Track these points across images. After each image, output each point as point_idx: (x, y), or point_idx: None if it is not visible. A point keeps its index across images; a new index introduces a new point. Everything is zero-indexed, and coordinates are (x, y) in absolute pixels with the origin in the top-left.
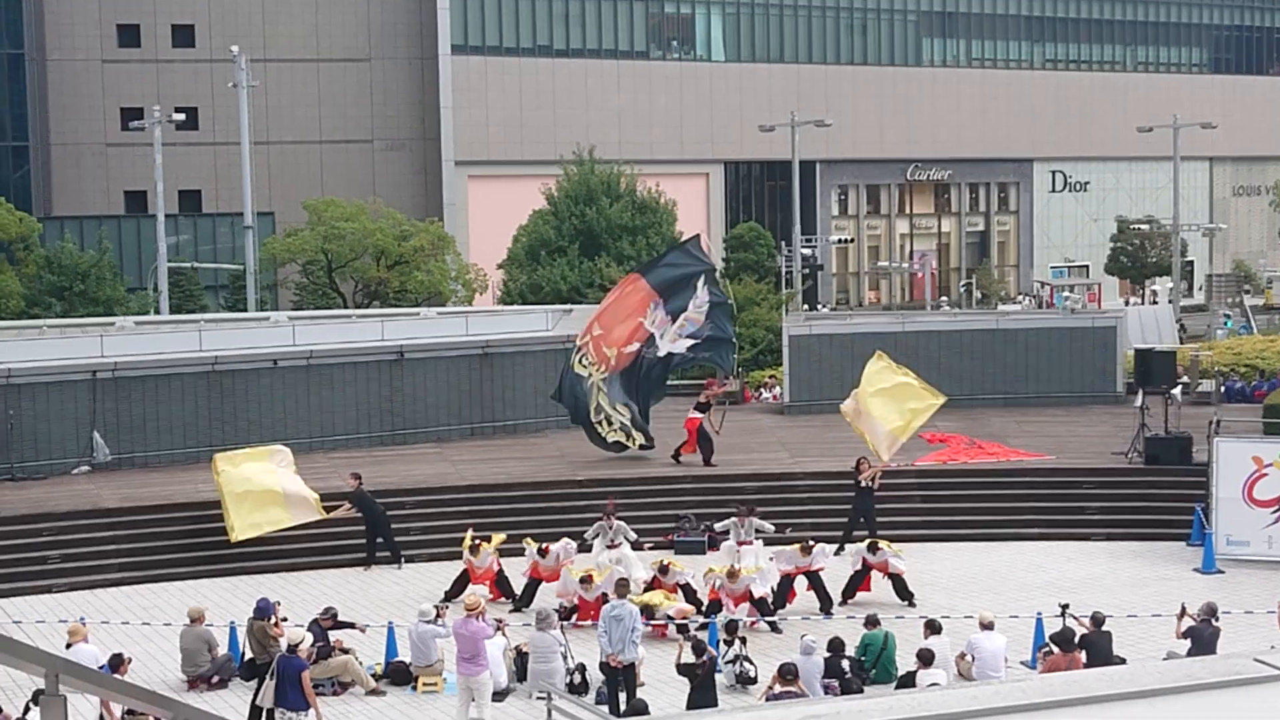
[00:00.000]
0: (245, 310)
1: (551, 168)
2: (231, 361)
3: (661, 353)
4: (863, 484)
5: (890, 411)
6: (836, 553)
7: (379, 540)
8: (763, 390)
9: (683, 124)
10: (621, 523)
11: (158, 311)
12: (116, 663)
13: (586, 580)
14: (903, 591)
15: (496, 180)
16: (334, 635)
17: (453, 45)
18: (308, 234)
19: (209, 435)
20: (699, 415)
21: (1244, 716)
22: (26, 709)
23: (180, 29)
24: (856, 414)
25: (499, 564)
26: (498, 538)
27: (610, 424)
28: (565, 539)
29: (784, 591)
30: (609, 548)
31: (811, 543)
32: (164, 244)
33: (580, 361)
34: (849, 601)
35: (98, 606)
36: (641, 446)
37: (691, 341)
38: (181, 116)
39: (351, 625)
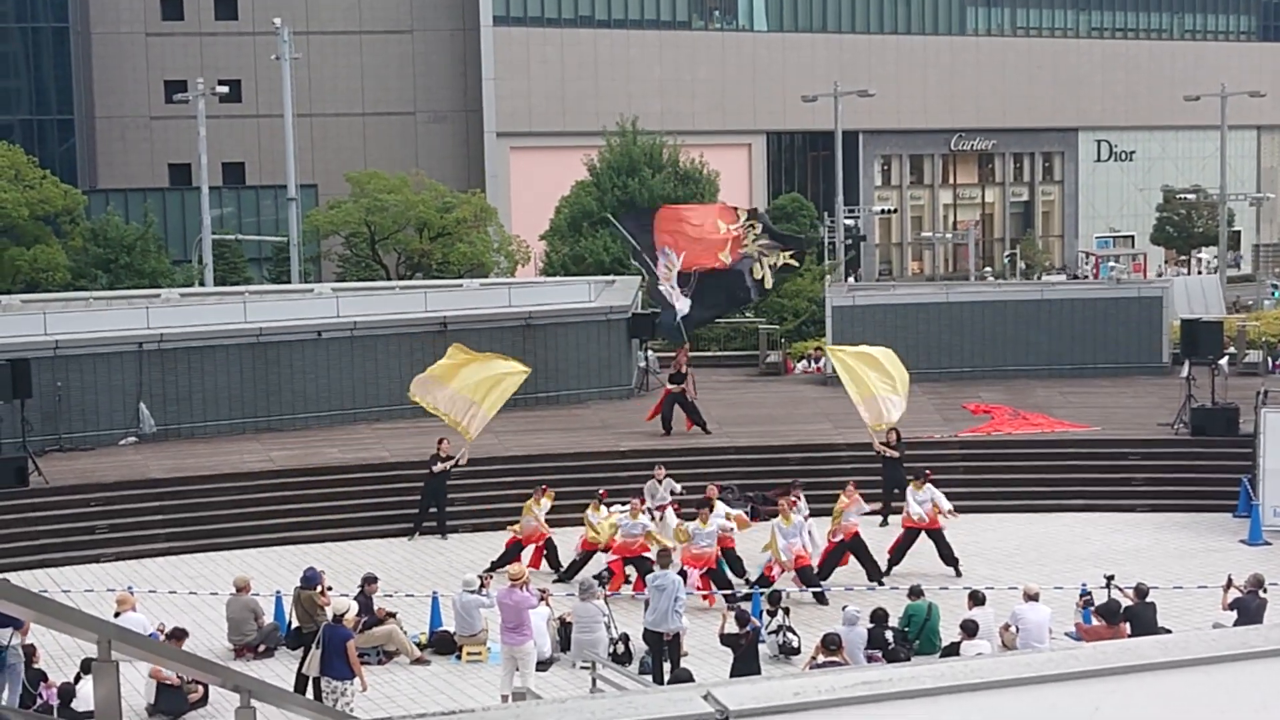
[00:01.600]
0: (289, 282)
1: (593, 139)
2: (276, 333)
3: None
4: (885, 454)
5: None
6: (881, 524)
7: (431, 510)
8: (804, 361)
9: (725, 94)
10: (670, 481)
11: (202, 283)
12: (176, 635)
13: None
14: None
15: (538, 151)
16: (378, 604)
17: (494, 16)
18: (350, 206)
19: (254, 406)
20: (673, 386)
21: None
22: (78, 677)
23: (223, 2)
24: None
25: (545, 535)
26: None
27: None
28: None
29: (833, 561)
30: (658, 509)
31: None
32: (208, 216)
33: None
34: (893, 569)
35: (145, 576)
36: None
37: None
38: (225, 89)
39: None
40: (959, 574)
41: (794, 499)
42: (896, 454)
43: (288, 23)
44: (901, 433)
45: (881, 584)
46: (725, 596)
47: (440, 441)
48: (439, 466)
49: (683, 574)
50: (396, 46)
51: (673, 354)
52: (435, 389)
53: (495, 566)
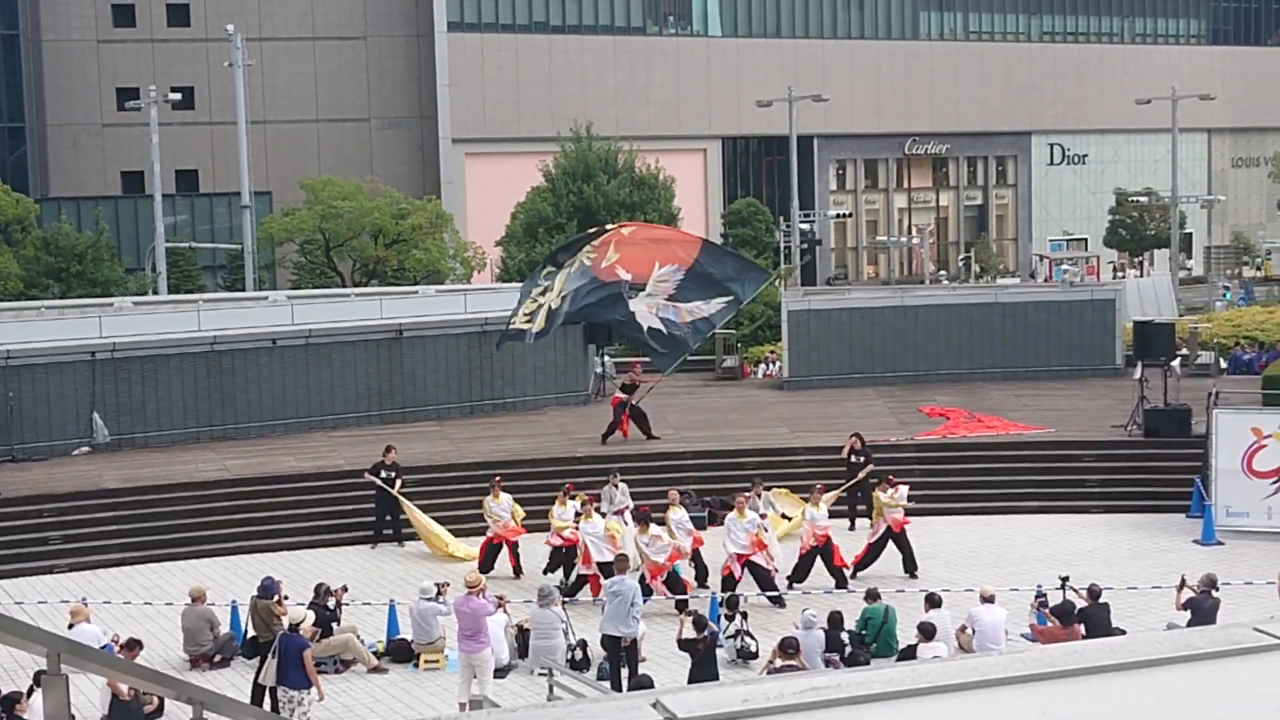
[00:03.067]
0: (243, 290)
1: (549, 145)
2: (230, 341)
3: (631, 309)
4: (853, 461)
5: None
6: (850, 529)
7: (388, 518)
8: (762, 365)
9: (680, 100)
10: (624, 486)
11: (156, 292)
12: (130, 646)
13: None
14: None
15: (494, 158)
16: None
17: (449, 22)
18: (305, 213)
19: (208, 415)
20: (623, 395)
21: (1244, 685)
22: (30, 690)
23: (175, 8)
24: None
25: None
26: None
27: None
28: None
29: (805, 566)
30: (615, 514)
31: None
32: (161, 224)
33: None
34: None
35: (99, 587)
36: (536, 334)
37: (660, 327)
38: (178, 96)
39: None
40: (914, 576)
41: (747, 495)
42: (865, 461)
43: (240, 29)
44: (864, 438)
45: (845, 589)
46: (679, 603)
47: (387, 450)
48: (383, 474)
49: (646, 587)
50: (350, 53)
51: (630, 358)
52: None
53: (484, 569)
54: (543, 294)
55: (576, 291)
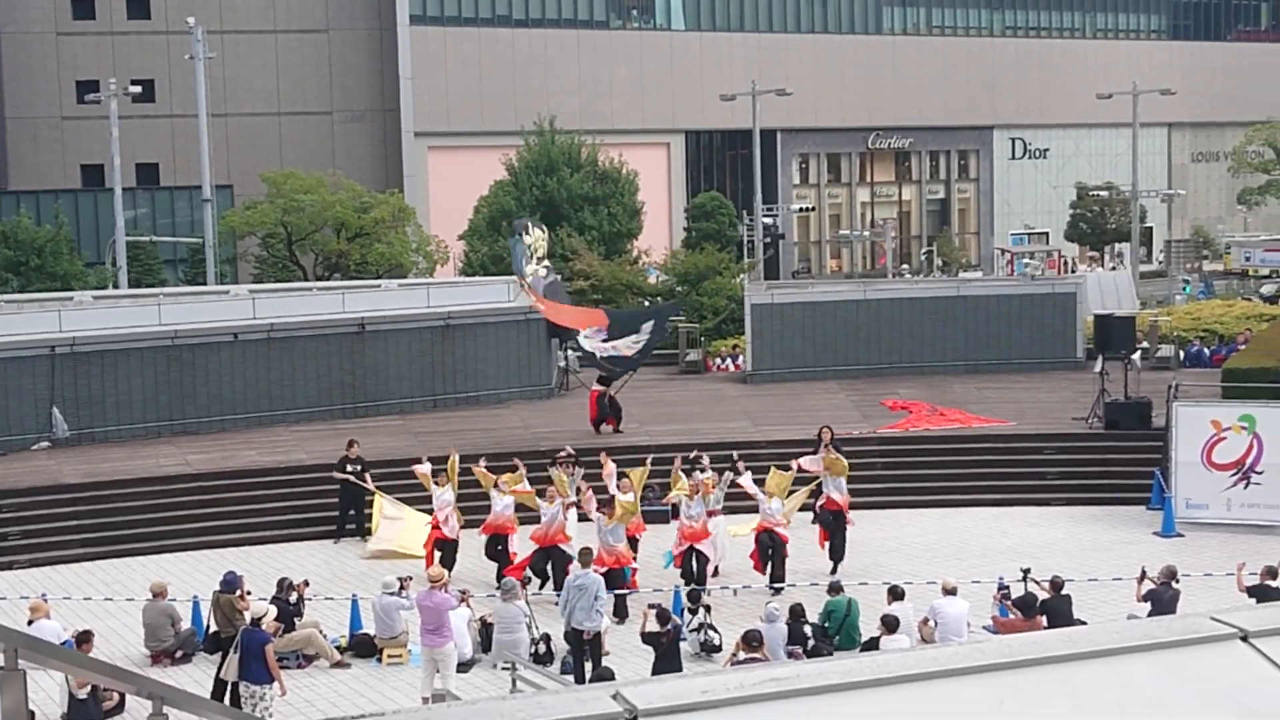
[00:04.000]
0: (205, 284)
1: (512, 138)
2: (191, 335)
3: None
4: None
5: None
6: (813, 522)
7: (350, 513)
8: (722, 359)
9: (643, 93)
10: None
11: (116, 286)
12: (83, 639)
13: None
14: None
15: (457, 151)
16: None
17: (411, 15)
18: (267, 207)
19: (169, 410)
20: (600, 388)
21: (1201, 674)
22: None
23: (135, 1)
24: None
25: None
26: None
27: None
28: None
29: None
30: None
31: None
32: (122, 218)
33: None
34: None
35: (59, 582)
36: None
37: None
38: (138, 89)
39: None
40: (834, 571)
41: (706, 481)
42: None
43: (201, 22)
44: (834, 430)
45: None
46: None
47: (350, 444)
48: (348, 469)
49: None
50: (312, 46)
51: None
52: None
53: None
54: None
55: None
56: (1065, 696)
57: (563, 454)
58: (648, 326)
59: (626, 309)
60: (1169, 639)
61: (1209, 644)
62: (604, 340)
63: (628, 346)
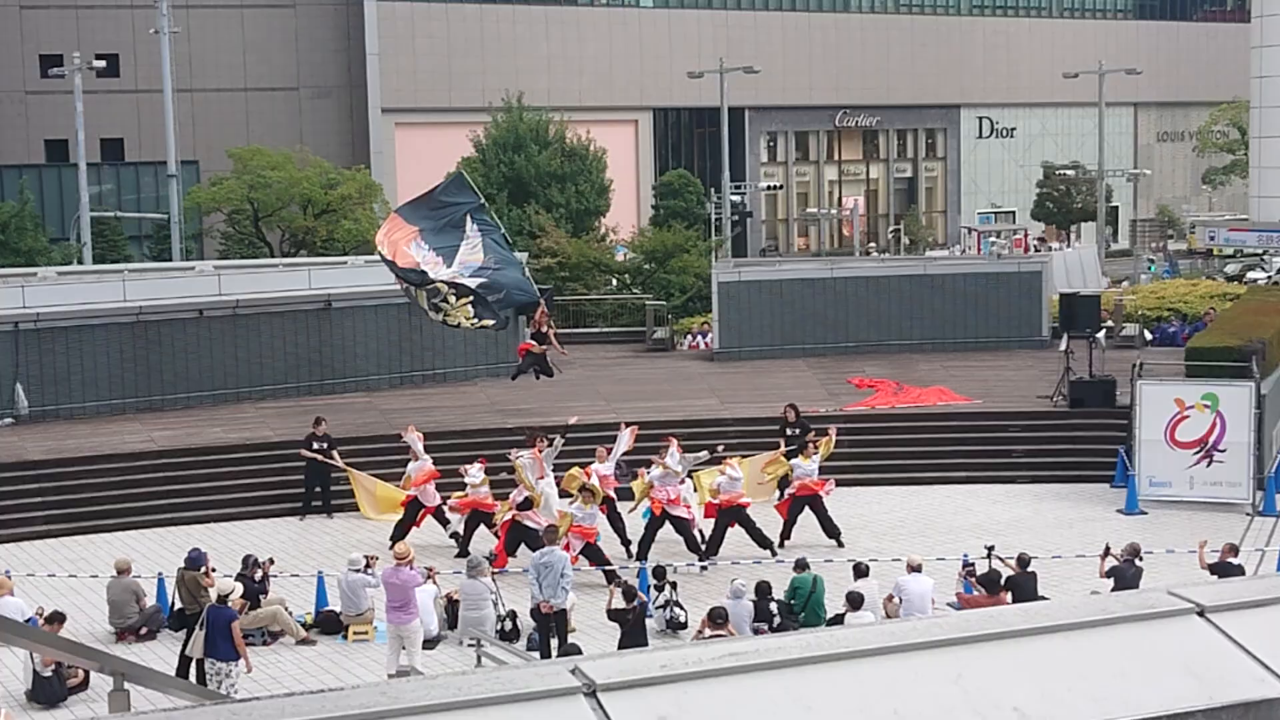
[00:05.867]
0: (170, 260)
1: (480, 115)
2: (156, 312)
3: (444, 277)
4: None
5: None
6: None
7: (317, 490)
8: (689, 336)
9: (612, 71)
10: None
11: (81, 262)
12: (53, 620)
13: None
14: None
15: (424, 128)
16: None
17: None
18: (233, 182)
19: (134, 387)
20: (533, 343)
21: (1157, 648)
22: None
23: None
24: None
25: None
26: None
27: (447, 303)
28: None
29: (719, 534)
30: (539, 478)
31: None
32: (86, 193)
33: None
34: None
35: (23, 559)
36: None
37: (481, 281)
38: (102, 64)
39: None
40: (840, 545)
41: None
42: (798, 430)
43: None
44: (799, 408)
45: (774, 555)
46: (608, 573)
47: (317, 422)
48: (314, 446)
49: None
50: (279, 20)
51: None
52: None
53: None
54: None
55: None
56: (1023, 670)
57: (533, 436)
58: (471, 225)
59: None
60: (1127, 614)
61: (1166, 619)
62: (438, 259)
63: (469, 252)
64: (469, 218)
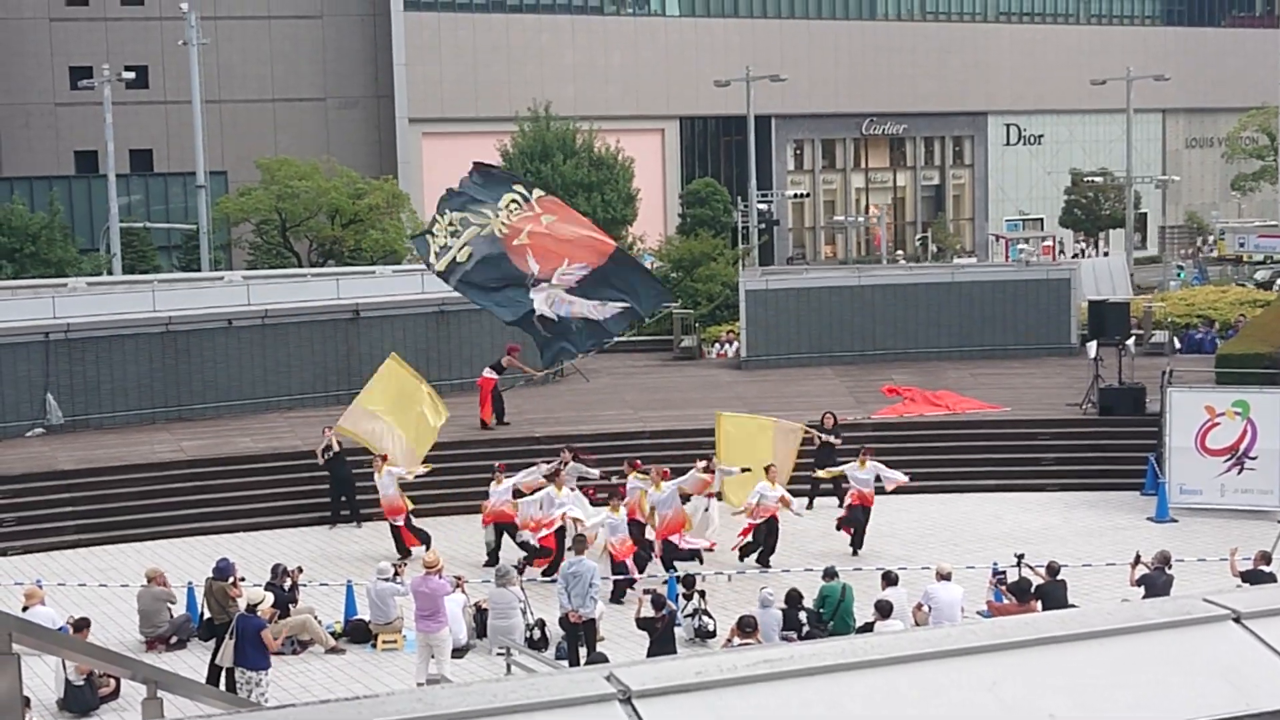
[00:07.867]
0: (199, 270)
1: (506, 124)
2: (186, 322)
3: (530, 297)
4: (821, 440)
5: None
6: (808, 507)
7: (343, 499)
8: (717, 345)
9: (638, 80)
10: (579, 465)
11: (110, 272)
12: (79, 627)
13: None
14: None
15: (451, 138)
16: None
17: (405, 1)
18: (261, 193)
19: (164, 396)
20: (493, 376)
21: (1193, 655)
22: None
23: None
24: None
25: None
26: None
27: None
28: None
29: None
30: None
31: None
32: (116, 204)
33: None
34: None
35: (54, 569)
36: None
37: (551, 315)
38: (131, 75)
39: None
40: (855, 554)
41: (666, 470)
42: (836, 440)
43: (195, 8)
44: (838, 416)
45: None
46: (626, 583)
47: (325, 430)
48: (327, 451)
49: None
50: (307, 31)
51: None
52: (366, 421)
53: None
54: (454, 235)
55: (485, 259)
56: (1059, 677)
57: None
58: (616, 308)
59: (632, 264)
60: (1162, 620)
61: (1202, 625)
62: (567, 290)
63: (593, 309)
64: (621, 308)
